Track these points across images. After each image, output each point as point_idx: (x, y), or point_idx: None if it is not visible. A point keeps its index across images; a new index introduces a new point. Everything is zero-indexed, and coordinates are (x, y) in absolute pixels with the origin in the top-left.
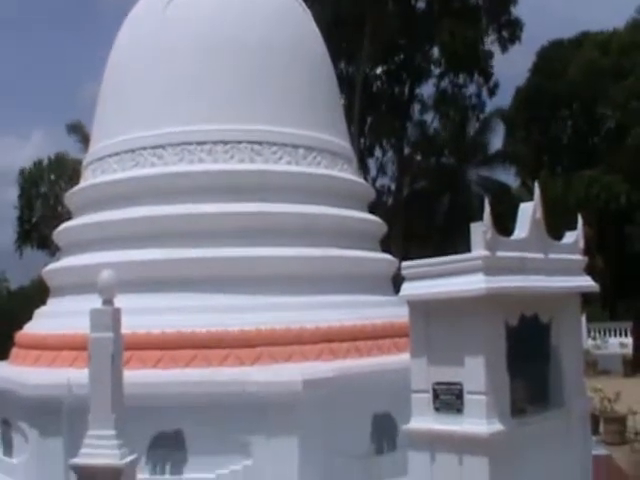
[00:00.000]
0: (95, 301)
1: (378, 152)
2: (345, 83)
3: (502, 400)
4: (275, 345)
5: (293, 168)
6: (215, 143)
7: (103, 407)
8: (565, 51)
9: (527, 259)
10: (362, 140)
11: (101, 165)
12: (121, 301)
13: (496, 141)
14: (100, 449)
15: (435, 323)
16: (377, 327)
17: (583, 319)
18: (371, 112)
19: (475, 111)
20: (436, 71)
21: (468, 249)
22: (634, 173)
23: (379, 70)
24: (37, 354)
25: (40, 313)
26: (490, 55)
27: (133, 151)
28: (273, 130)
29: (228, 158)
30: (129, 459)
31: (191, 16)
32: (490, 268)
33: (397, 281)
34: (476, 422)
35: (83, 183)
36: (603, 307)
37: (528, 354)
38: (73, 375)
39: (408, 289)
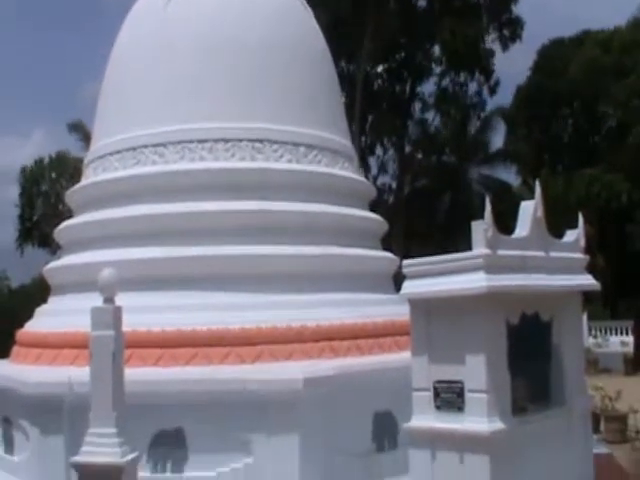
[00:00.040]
0: (96, 299)
1: (379, 150)
2: (346, 81)
3: (503, 398)
4: (276, 343)
5: (294, 166)
6: (216, 141)
7: (104, 405)
8: (566, 49)
9: (528, 257)
10: (363, 138)
11: (102, 163)
12: (122, 299)
13: (497, 139)
14: (101, 447)
15: (436, 321)
16: (378, 325)
17: (584, 317)
18: (372, 110)
19: (476, 109)
20: (437, 69)
21: (469, 247)
22: (635, 172)
23: (380, 68)
24: (38, 352)
25: (41, 311)
26: (491, 54)
27: (134, 149)
28: (274, 128)
29: (229, 156)
30: (130, 457)
31: (192, 14)
32: (491, 266)
33: (398, 279)
34: (477, 420)
35: (84, 181)
36: (604, 305)
37: (529, 352)
38: (74, 373)
39: (409, 287)
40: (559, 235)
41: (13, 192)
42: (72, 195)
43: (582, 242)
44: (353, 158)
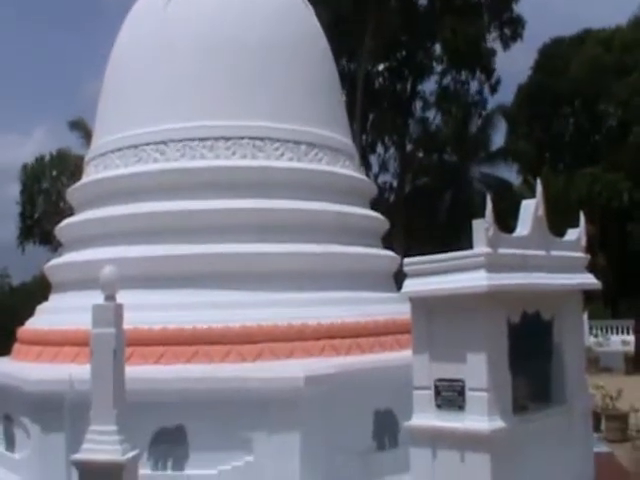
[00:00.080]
0: (97, 297)
1: (380, 149)
2: (347, 80)
3: (504, 397)
4: (277, 341)
5: (295, 164)
6: (217, 139)
7: (105, 403)
8: (567, 48)
9: (529, 256)
10: (364, 137)
11: (103, 161)
12: (123, 297)
13: (498, 138)
14: (102, 445)
15: (437, 320)
16: (379, 324)
17: (585, 316)
18: (373, 109)
19: (477, 108)
20: (438, 68)
21: (470, 246)
22: (636, 171)
23: (381, 67)
24: (39, 350)
25: (42, 309)
26: (492, 53)
27: (135, 147)
28: (275, 126)
29: (230, 154)
30: (131, 455)
31: (192, 13)
32: (492, 265)
33: (399, 278)
34: (478, 419)
35: (85, 179)
36: (605, 305)
37: (530, 351)
38: (75, 371)
39: (410, 286)
40: (560, 234)
41: (14, 190)
42: (73, 193)
43: (583, 241)
44: (354, 156)
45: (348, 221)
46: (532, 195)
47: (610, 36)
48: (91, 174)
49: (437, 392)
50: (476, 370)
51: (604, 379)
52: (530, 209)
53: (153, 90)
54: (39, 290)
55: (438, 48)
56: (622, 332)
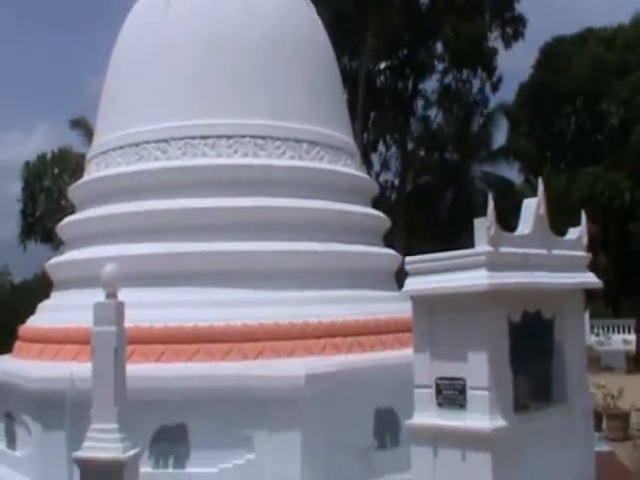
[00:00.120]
0: (98, 295)
1: (381, 147)
2: (348, 78)
3: (505, 396)
4: (278, 340)
5: (296, 163)
6: (219, 137)
7: (106, 401)
8: (568, 47)
9: (530, 255)
10: (365, 135)
11: (105, 159)
12: (124, 295)
13: (499, 137)
14: (103, 443)
15: (438, 318)
16: (380, 322)
17: (586, 316)
18: (374, 107)
19: (479, 107)
20: (440, 66)
21: (471, 245)
22: (638, 170)
23: (382, 65)
24: (40, 347)
25: (43, 307)
26: (494, 52)
27: (137, 145)
28: (276, 125)
29: (231, 152)
30: (132, 453)
31: (193, 11)
32: (493, 264)
33: (400, 276)
34: (479, 418)
35: (87, 177)
36: (606, 304)
37: (531, 350)
38: (76, 369)
39: (411, 284)
40: (562, 233)
41: (16, 187)
42: (75, 191)
43: (585, 240)
44: (355, 155)
45: (349, 219)
46: (533, 194)
47: (612, 35)
48: (92, 172)
49: (438, 391)
50: (477, 369)
51: (605, 378)
52: (532, 208)
53: (154, 88)
54: (40, 288)
55: (440, 46)
56: (623, 331)
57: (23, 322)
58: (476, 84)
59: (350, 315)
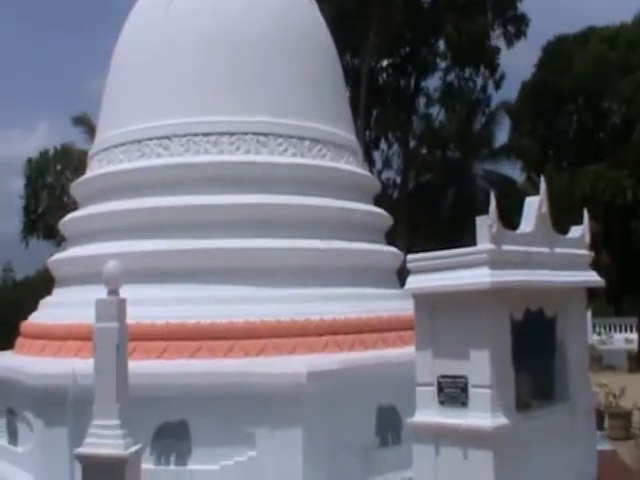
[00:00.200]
0: (100, 291)
1: (383, 145)
2: (351, 76)
3: (507, 394)
4: (280, 337)
5: (298, 160)
6: (221, 134)
7: (108, 397)
8: (571, 46)
9: (532, 253)
10: (367, 133)
11: (107, 155)
12: (126, 292)
13: (502, 135)
14: (105, 439)
15: (440, 316)
16: (382, 320)
17: (588, 314)
18: (377, 105)
19: (481, 105)
20: (442, 64)
21: (473, 243)
22: None
23: (385, 63)
24: (42, 344)
25: (45, 303)
26: (497, 50)
27: (139, 142)
28: (279, 122)
29: (234, 149)
30: (133, 449)
31: (194, 8)
32: (495, 262)
33: (402, 274)
34: (481, 416)
35: (89, 173)
36: (608, 302)
37: (533, 348)
38: (78, 365)
39: (413, 282)
40: (564, 231)
41: (17, 184)
42: (77, 187)
43: (587, 238)
44: (358, 152)
45: (351, 217)
46: (536, 192)
47: (615, 33)
48: (95, 169)
49: (440, 389)
50: (479, 367)
51: (607, 377)
52: (534, 206)
53: (156, 85)
54: (42, 284)
55: (442, 44)
56: (625, 330)
57: (25, 318)
58: (478, 82)
59: (352, 313)
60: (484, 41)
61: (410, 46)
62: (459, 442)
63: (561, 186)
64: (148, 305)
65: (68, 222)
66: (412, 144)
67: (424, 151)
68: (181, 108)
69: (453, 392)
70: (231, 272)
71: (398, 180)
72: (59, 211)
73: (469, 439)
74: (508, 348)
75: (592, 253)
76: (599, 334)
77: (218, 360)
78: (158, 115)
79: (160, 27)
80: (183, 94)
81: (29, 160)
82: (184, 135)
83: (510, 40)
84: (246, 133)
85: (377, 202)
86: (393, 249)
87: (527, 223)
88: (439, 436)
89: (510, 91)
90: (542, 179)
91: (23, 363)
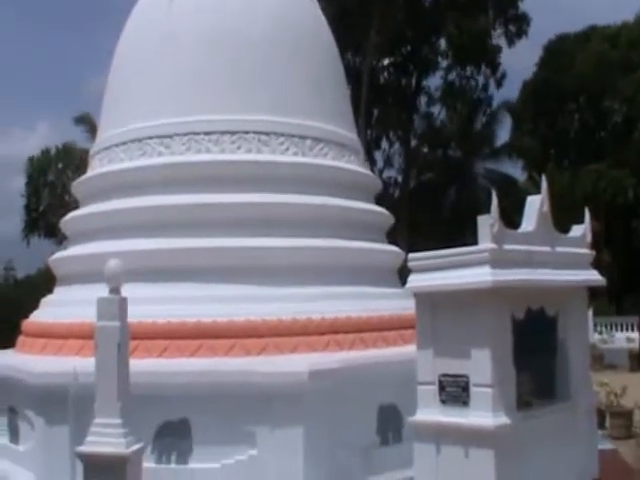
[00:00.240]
0: (102, 290)
1: (385, 144)
2: (352, 75)
3: (508, 393)
4: (281, 336)
5: (300, 159)
6: (222, 133)
7: (109, 395)
8: (572, 45)
9: (534, 252)
10: (369, 132)
11: (108, 154)
12: (127, 290)
13: (503, 134)
14: (106, 437)
15: (441, 315)
16: (383, 319)
17: (590, 313)
18: (378, 104)
19: (482, 104)
20: (443, 63)
21: (475, 242)
22: None
23: (386, 62)
24: (44, 342)
25: (47, 302)
26: (498, 49)
27: (140, 140)
28: (280, 121)
29: (235, 148)
30: (135, 448)
31: (195, 7)
32: (497, 261)
33: (403, 273)
34: (482, 415)
35: (90, 172)
36: (610, 301)
37: (534, 347)
38: (79, 364)
39: (415, 281)
40: (565, 230)
41: (17, 183)
42: (78, 186)
43: (588, 237)
44: (359, 151)
45: (353, 216)
46: (537, 191)
47: (616, 32)
48: (96, 168)
49: (441, 387)
50: (480, 366)
51: (609, 376)
52: (535, 205)
53: (157, 84)
54: (44, 283)
55: (443, 43)
56: (627, 329)
57: (26, 317)
58: (480, 81)
59: (353, 312)
60: (485, 40)
61: (411, 45)
62: (460, 441)
63: (562, 185)
64: (149, 304)
65: (69, 221)
66: (413, 143)
67: (425, 150)
68: (182, 107)
69: (454, 391)
70: (232, 271)
71: (399, 179)
72: (60, 209)
73: (470, 438)
74: (509, 347)
75: (593, 252)
76: (600, 333)
77: (219, 359)
78: (159, 114)
79: (162, 25)
80: (184, 93)
81: (31, 158)
82: (185, 134)
83: (511, 39)
84: (247, 132)
85: (378, 201)
86: (394, 248)
87: (528, 222)
88: (440, 435)
89: (511, 90)
90: (543, 178)
91: (24, 361)
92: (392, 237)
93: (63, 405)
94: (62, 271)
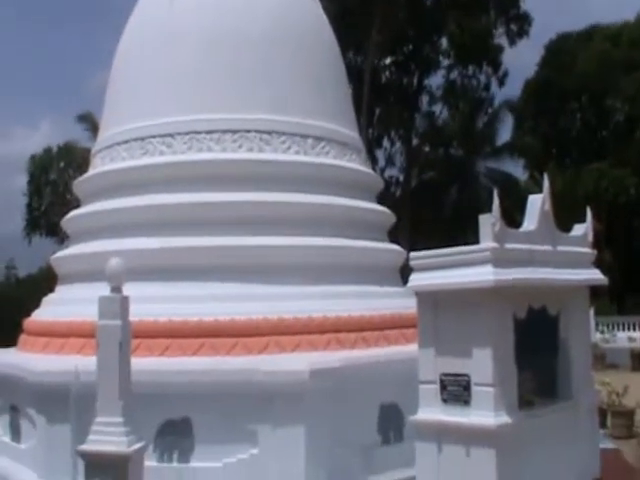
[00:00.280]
0: (103, 289)
1: (386, 143)
2: (353, 74)
3: (510, 392)
4: (283, 334)
5: (302, 158)
6: (224, 132)
7: (111, 394)
8: (574, 44)
9: (535, 251)
10: (370, 131)
11: (110, 153)
12: (129, 289)
13: (505, 133)
14: (108, 436)
15: (443, 314)
16: (385, 318)
17: (591, 312)
18: (379, 103)
19: (484, 103)
20: (445, 62)
21: (476, 241)
22: None
23: (387, 61)
24: (45, 341)
25: (48, 300)
26: (500, 49)
27: (142, 139)
28: (282, 120)
29: (237, 147)
30: (137, 446)
31: (197, 5)
32: (498, 260)
33: (405, 272)
34: (483, 414)
35: (92, 171)
36: (611, 301)
37: (536, 347)
38: (81, 362)
39: (416, 280)
40: (567, 229)
41: (19, 182)
42: (80, 185)
43: (590, 236)
44: (361, 150)
45: (354, 215)
46: (538, 190)
47: (618, 32)
48: (98, 166)
49: (443, 386)
50: (482, 365)
51: (610, 375)
52: (537, 204)
53: (159, 82)
54: (45, 282)
55: (445, 42)
56: (628, 328)
57: (28, 315)
58: (481, 80)
59: (355, 310)
60: (487, 39)
61: (413, 44)
62: (462, 440)
63: (564, 184)
64: (151, 302)
65: (71, 219)
66: (415, 142)
67: (427, 149)
68: (184, 106)
69: (456, 390)
70: (234, 270)
71: (401, 178)
72: (62, 208)
73: (472, 437)
74: (511, 346)
75: (595, 251)
76: (602, 332)
77: (221, 358)
78: (161, 113)
79: (163, 23)
80: (186, 91)
81: (32, 157)
82: (187, 133)
83: (513, 38)
84: (249, 131)
85: (380, 200)
86: (396, 247)
87: (530, 221)
88: (441, 434)
89: (513, 89)
90: (545, 177)
91: (26, 360)
92: (394, 236)
93: (65, 404)
94: (64, 270)
